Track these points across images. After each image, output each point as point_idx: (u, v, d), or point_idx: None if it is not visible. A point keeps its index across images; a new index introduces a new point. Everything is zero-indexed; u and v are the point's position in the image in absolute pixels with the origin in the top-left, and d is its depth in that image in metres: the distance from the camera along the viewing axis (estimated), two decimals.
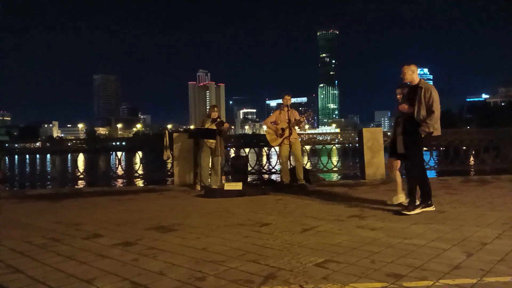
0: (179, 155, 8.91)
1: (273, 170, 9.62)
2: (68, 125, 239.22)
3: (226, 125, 8.21)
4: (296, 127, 8.21)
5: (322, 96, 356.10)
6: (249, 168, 9.28)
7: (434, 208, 4.97)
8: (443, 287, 2.43)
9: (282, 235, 3.93)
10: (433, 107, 4.84)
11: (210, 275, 2.75)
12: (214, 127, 8.01)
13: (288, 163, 8.22)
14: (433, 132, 4.88)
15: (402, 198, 5.44)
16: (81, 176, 10.12)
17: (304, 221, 4.60)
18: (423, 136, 4.88)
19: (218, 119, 8.17)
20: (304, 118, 8.27)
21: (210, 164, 8.12)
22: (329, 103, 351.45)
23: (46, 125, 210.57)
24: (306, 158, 10.00)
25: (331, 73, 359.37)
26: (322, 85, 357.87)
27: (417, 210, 4.85)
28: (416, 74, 5.08)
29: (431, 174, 11.28)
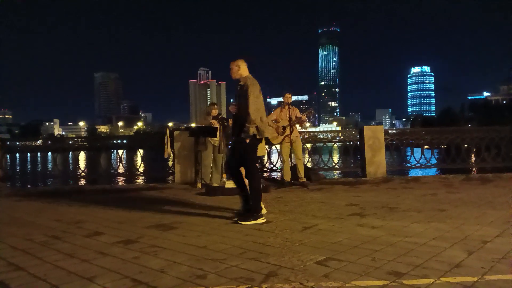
0: (180, 153, 8.92)
1: (274, 168, 9.62)
2: (69, 123, 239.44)
3: (230, 121, 8.21)
4: (297, 125, 8.21)
5: (323, 94, 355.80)
6: None
7: (264, 220, 4.49)
8: (444, 285, 2.43)
9: (283, 233, 3.93)
10: (249, 108, 4.35)
11: (211, 273, 2.75)
12: (217, 125, 8.01)
13: (289, 161, 8.23)
14: (258, 136, 4.48)
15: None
16: (82, 174, 10.13)
17: (304, 219, 4.61)
18: (247, 141, 4.45)
19: (220, 116, 8.17)
20: (305, 117, 8.27)
21: (214, 162, 8.12)
22: (330, 101, 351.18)
23: (47, 123, 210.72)
24: (307, 156, 10.00)
25: (332, 71, 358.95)
26: (323, 83, 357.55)
27: (251, 221, 4.39)
28: (243, 69, 4.60)
29: (432, 172, 11.30)
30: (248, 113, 4.34)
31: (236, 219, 4.51)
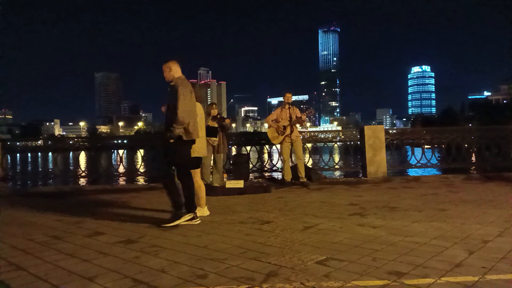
0: None
1: (275, 168, 9.61)
2: (70, 123, 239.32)
3: (227, 120, 8.20)
4: (298, 125, 8.20)
5: (324, 93, 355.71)
6: (251, 166, 9.27)
7: (198, 222, 4.48)
8: (444, 285, 2.42)
9: (284, 233, 3.93)
10: (177, 109, 4.30)
11: (211, 273, 2.75)
12: (216, 125, 8.01)
13: (290, 161, 8.22)
14: (185, 137, 4.44)
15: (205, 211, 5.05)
16: (83, 174, 10.12)
17: (305, 219, 4.60)
18: (172, 141, 4.40)
19: (218, 116, 8.17)
20: (306, 116, 8.26)
21: (212, 162, 8.11)
22: (331, 101, 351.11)
23: (47, 123, 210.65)
24: (307, 156, 9.99)
25: (332, 70, 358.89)
26: (323, 82, 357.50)
27: (178, 221, 4.38)
28: (174, 71, 4.59)
29: (433, 171, 11.29)
30: (176, 114, 4.30)
31: (169, 221, 4.44)
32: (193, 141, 4.63)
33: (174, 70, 4.59)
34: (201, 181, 5.20)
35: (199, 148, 4.96)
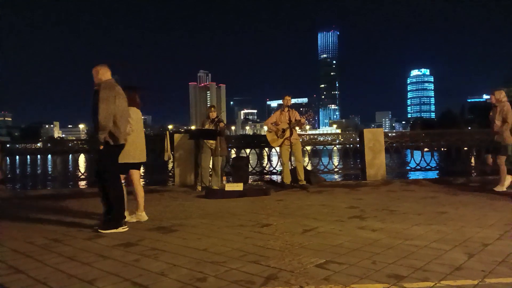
0: (180, 156, 8.92)
1: (274, 171, 9.62)
2: (69, 126, 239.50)
3: (221, 124, 8.20)
4: (297, 128, 8.21)
5: (323, 96, 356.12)
6: (250, 169, 9.28)
7: (126, 229, 4.37)
8: None
9: (283, 236, 3.93)
10: (98, 114, 4.19)
11: (211, 276, 2.75)
12: (213, 127, 8.02)
13: (289, 163, 8.23)
14: (111, 142, 4.34)
15: (143, 216, 4.98)
16: (82, 176, 10.12)
17: (305, 222, 4.60)
18: (101, 148, 4.32)
19: (217, 119, 8.18)
20: (305, 119, 8.27)
21: (210, 165, 8.12)
22: (330, 104, 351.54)
23: (47, 126, 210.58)
24: (307, 158, 10.00)
25: (331, 73, 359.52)
26: (323, 85, 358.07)
27: (112, 230, 4.28)
28: (101, 74, 4.47)
29: (433, 175, 11.29)
30: (97, 119, 4.21)
31: (97, 227, 4.40)
32: (122, 146, 4.53)
33: (101, 73, 4.48)
34: (140, 186, 5.13)
35: (135, 153, 4.89)
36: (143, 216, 4.98)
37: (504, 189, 6.73)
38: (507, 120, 6.65)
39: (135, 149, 4.91)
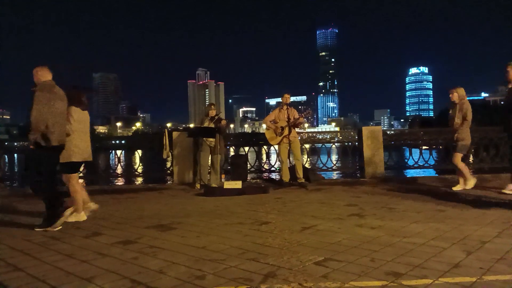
0: (178, 153, 8.91)
1: (273, 169, 9.62)
2: None
3: (223, 122, 8.20)
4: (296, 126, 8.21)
5: (322, 94, 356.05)
6: (249, 167, 9.28)
7: (59, 228, 4.39)
8: (442, 285, 2.43)
9: (282, 233, 3.93)
10: (31, 115, 4.15)
11: (209, 274, 2.75)
12: (213, 125, 8.01)
13: (288, 161, 8.23)
14: (43, 143, 4.29)
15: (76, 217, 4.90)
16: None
17: (303, 219, 4.61)
18: (32, 148, 4.31)
19: (216, 117, 8.17)
20: (303, 118, 8.26)
21: (209, 163, 8.12)
22: (329, 102, 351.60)
23: None
24: (305, 156, 10.00)
25: (330, 71, 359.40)
26: (321, 83, 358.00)
27: (45, 228, 4.31)
28: (40, 75, 4.47)
29: (431, 172, 11.30)
30: (30, 120, 4.20)
31: (37, 225, 4.42)
32: (57, 148, 4.50)
33: (40, 75, 4.47)
34: (78, 186, 5.10)
35: (76, 153, 4.91)
36: (82, 215, 4.93)
37: (461, 188, 6.66)
38: (466, 118, 6.62)
39: (76, 149, 4.94)
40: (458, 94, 6.88)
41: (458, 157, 6.69)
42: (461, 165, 6.71)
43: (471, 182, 6.69)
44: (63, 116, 4.61)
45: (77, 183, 5.11)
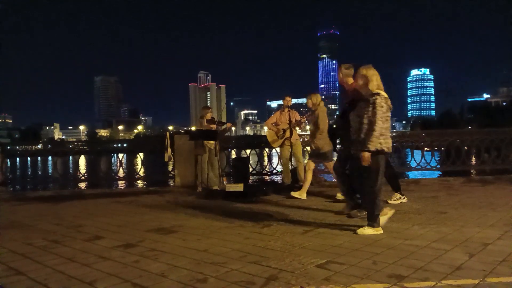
0: (180, 156, 8.91)
1: (274, 171, 9.61)
2: (69, 127, 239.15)
3: (228, 124, 8.23)
4: (297, 128, 8.21)
5: (323, 96, 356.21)
6: (250, 169, 9.27)
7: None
8: None
9: (283, 236, 3.93)
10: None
11: (211, 277, 2.75)
12: (214, 127, 8.02)
13: (289, 164, 8.22)
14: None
15: None
16: (83, 178, 10.12)
17: (305, 222, 4.60)
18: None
19: (216, 121, 8.19)
20: (305, 119, 8.26)
21: (211, 165, 8.12)
22: (330, 104, 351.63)
23: (47, 127, 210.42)
24: (307, 159, 9.98)
25: (331, 73, 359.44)
26: (323, 85, 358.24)
27: None
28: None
29: (432, 174, 11.29)
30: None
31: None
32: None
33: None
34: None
35: None
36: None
37: (298, 195, 6.44)
38: (319, 127, 6.32)
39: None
40: (311, 101, 6.54)
41: (330, 165, 6.16)
42: (309, 175, 6.49)
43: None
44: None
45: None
